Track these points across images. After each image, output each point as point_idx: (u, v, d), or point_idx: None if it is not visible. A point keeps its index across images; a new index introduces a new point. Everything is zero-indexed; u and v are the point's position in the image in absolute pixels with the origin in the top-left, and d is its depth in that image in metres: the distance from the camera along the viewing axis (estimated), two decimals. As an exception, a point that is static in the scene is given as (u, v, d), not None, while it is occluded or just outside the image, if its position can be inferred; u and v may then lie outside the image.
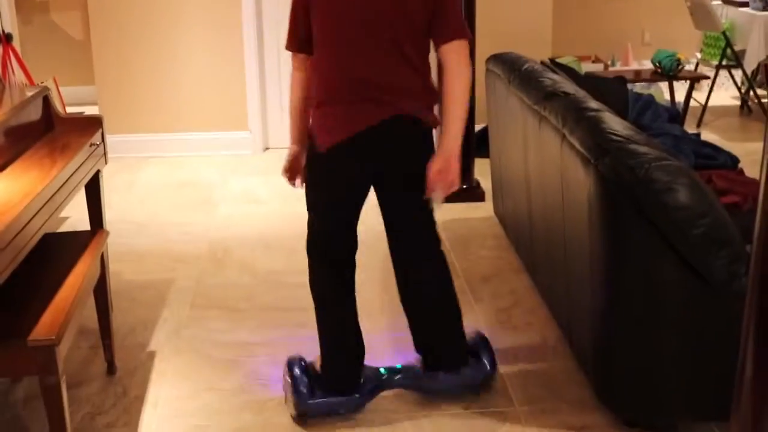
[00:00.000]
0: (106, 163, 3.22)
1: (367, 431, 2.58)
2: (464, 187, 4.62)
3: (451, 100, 2.41)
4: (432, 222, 2.63)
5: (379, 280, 3.47)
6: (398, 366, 2.76)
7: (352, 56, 2.39)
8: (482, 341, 2.80)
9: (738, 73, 6.58)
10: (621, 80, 5.05)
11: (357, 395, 2.64)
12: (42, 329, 2.21)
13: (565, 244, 2.79)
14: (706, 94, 6.35)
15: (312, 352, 3.04)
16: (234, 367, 2.95)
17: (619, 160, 2.33)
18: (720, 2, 6.72)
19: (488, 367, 2.73)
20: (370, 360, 2.70)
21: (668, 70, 5.87)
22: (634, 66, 6.59)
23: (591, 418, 2.62)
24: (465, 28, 2.43)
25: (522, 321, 3.26)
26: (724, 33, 6.14)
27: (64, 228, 4.13)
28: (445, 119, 2.43)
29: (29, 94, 3.03)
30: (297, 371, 2.62)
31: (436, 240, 2.67)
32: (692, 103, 6.20)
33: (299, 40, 2.48)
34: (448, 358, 2.71)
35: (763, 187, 1.33)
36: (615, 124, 2.57)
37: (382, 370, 2.72)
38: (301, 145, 2.59)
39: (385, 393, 2.74)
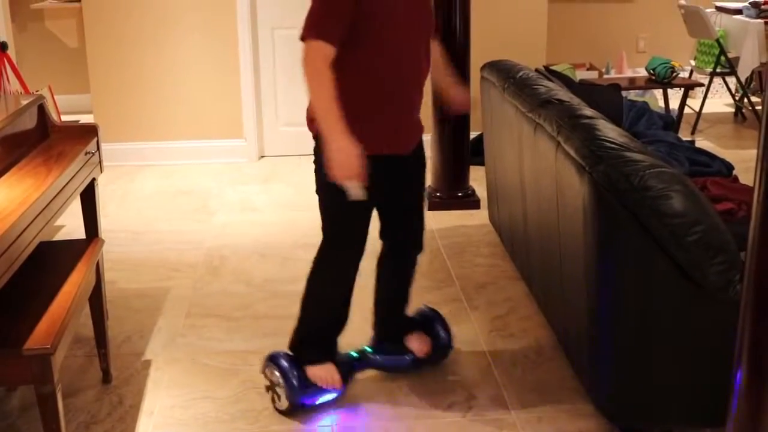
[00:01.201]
0: (101, 172, 3.22)
1: (363, 439, 2.58)
2: (459, 194, 4.63)
3: None
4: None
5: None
6: (367, 348, 2.91)
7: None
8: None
9: (732, 81, 6.60)
10: (615, 88, 5.07)
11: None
12: (37, 338, 2.21)
13: (561, 251, 2.79)
14: (701, 101, 6.37)
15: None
16: (230, 375, 2.94)
17: (613, 168, 2.34)
18: (714, 10, 6.74)
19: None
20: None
21: (662, 78, 5.89)
22: (628, 73, 6.60)
23: (587, 425, 2.62)
24: (307, 28, 2.39)
25: (518, 328, 3.26)
26: (718, 40, 6.16)
27: (60, 236, 4.13)
28: None
29: (24, 102, 3.03)
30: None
31: None
32: (686, 110, 6.22)
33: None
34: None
35: (757, 194, 1.34)
36: (610, 131, 2.57)
37: (352, 353, 2.86)
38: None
39: (379, 400, 2.75)
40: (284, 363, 2.68)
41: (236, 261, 3.95)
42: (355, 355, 2.87)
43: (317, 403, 2.72)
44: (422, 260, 3.85)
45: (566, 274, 2.76)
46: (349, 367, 2.81)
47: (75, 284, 2.55)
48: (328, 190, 2.52)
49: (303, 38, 2.38)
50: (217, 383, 2.89)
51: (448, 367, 2.97)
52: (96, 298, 2.85)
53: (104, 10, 5.32)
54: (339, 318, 2.76)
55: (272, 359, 2.72)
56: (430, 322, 2.98)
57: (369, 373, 2.92)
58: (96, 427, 2.65)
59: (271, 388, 2.72)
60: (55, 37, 6.72)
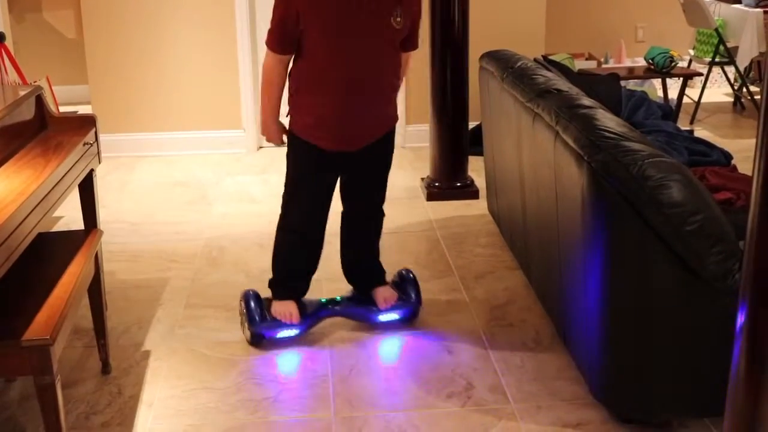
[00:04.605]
0: (99, 163, 3.21)
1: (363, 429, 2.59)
2: (458, 184, 4.63)
3: None
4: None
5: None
6: (337, 297, 3.25)
7: None
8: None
9: (731, 70, 6.60)
10: (614, 77, 5.06)
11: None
12: (36, 329, 2.21)
13: (559, 241, 2.79)
14: (699, 90, 6.37)
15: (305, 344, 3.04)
16: (229, 366, 2.95)
17: (612, 157, 2.34)
18: (713, -1, 6.73)
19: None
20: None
21: (661, 67, 5.88)
22: (627, 63, 6.59)
23: (586, 415, 2.63)
24: (267, 37, 2.89)
25: (517, 318, 3.26)
26: (716, 30, 6.15)
27: (58, 227, 4.13)
28: None
29: (22, 93, 3.02)
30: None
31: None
32: (685, 99, 6.21)
33: None
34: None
35: (756, 183, 1.34)
36: (608, 121, 2.57)
37: (322, 299, 3.23)
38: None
39: (378, 390, 2.75)
40: (251, 299, 3.09)
41: (235, 251, 3.95)
42: (323, 301, 3.22)
43: (277, 336, 3.06)
44: (421, 250, 3.88)
45: (565, 264, 2.76)
46: (314, 310, 3.16)
47: (74, 275, 2.55)
48: (288, 165, 3.03)
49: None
50: (216, 373, 2.90)
51: (446, 357, 2.98)
52: (95, 289, 2.85)
53: (102, 1, 5.30)
54: (296, 268, 3.15)
55: (244, 295, 3.12)
56: (403, 282, 3.27)
57: (368, 364, 2.93)
58: (95, 417, 2.66)
59: (241, 319, 3.13)
60: (52, 27, 6.71)
